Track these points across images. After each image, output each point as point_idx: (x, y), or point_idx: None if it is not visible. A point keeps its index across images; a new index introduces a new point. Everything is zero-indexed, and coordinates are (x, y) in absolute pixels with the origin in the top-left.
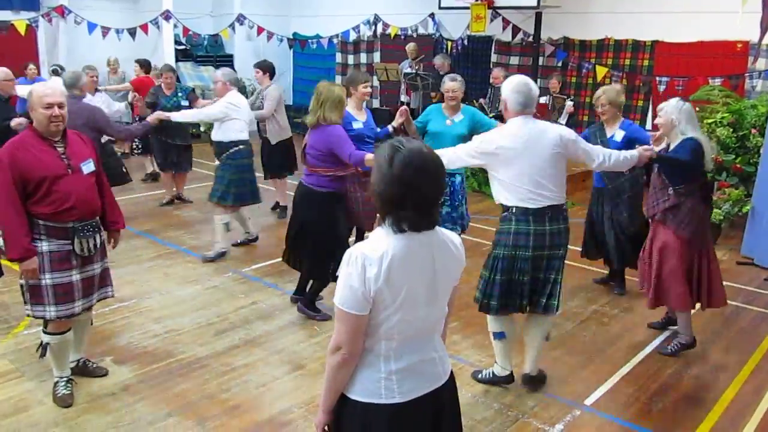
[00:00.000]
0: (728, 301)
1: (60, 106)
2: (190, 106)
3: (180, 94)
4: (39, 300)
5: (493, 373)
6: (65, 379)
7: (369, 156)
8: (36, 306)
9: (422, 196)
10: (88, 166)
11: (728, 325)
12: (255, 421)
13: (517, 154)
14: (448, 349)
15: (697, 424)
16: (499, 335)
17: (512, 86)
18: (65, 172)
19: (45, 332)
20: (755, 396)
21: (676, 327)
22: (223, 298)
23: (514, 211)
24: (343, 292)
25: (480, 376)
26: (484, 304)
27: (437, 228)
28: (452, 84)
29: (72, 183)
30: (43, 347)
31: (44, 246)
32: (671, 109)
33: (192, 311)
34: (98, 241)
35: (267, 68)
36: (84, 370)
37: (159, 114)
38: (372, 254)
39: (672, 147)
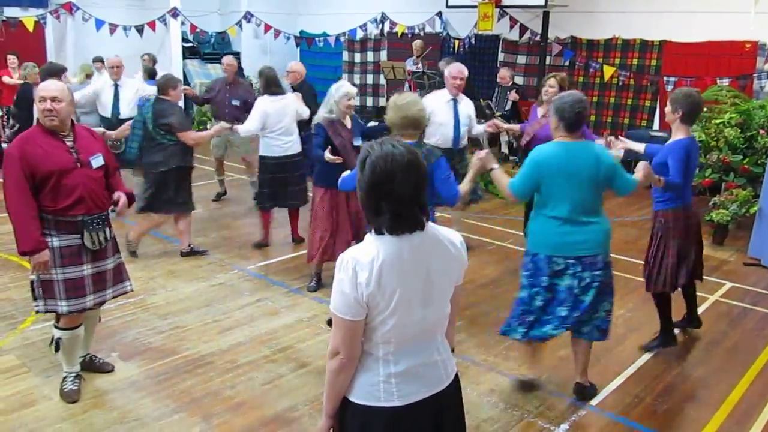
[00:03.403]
0: (736, 302)
1: (53, 99)
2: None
3: None
4: (51, 295)
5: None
6: (74, 374)
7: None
8: (49, 300)
9: (396, 200)
10: (97, 161)
11: (734, 326)
12: (260, 419)
13: None
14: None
15: (702, 425)
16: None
17: None
18: (74, 166)
19: (57, 327)
20: (761, 398)
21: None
22: (228, 296)
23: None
24: (336, 297)
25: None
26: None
27: (435, 228)
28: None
29: (80, 177)
30: (56, 342)
31: (55, 242)
32: None
33: (197, 308)
34: (108, 234)
35: None
36: (90, 365)
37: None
38: (363, 259)
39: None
